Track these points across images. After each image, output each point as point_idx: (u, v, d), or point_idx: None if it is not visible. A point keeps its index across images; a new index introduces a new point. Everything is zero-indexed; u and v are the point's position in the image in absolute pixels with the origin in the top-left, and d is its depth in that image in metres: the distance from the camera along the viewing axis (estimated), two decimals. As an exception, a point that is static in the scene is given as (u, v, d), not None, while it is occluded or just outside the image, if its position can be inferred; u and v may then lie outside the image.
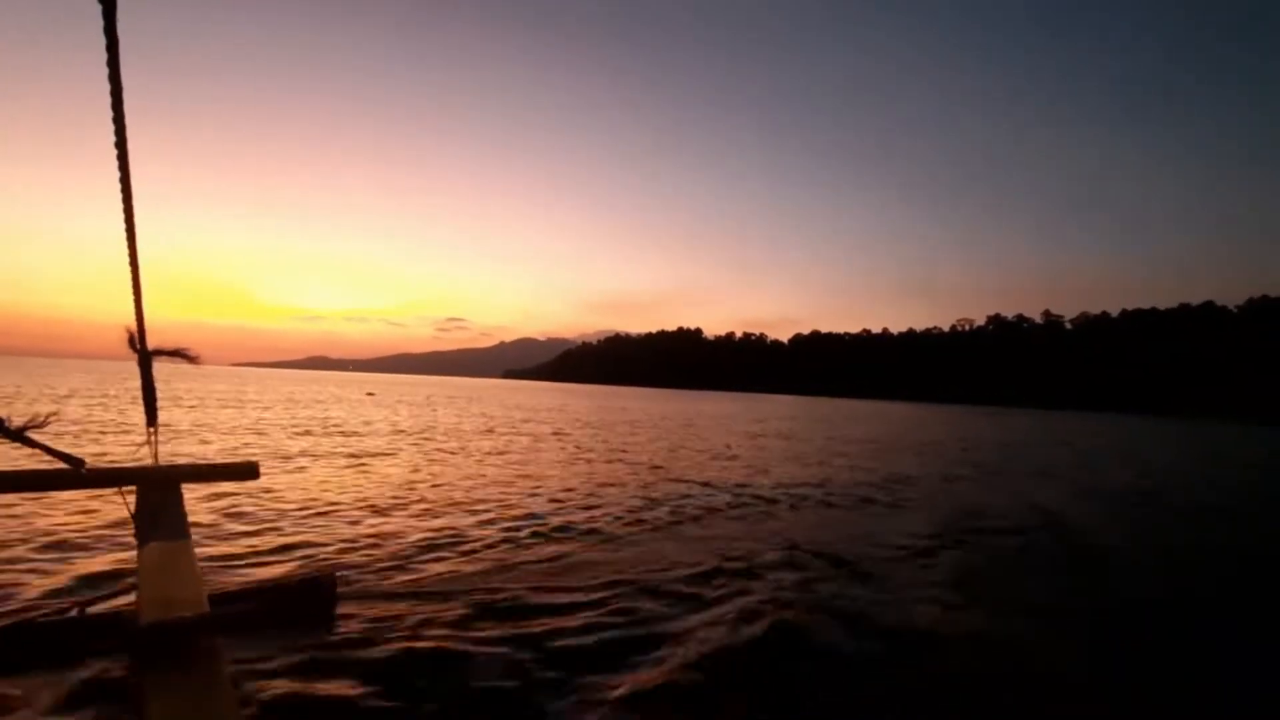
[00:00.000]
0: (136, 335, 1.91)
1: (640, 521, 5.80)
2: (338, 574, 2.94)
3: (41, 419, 1.66)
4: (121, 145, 1.48)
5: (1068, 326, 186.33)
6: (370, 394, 38.53)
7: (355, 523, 4.93)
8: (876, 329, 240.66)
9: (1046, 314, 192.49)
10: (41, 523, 4.27)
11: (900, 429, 25.40)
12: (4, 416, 1.59)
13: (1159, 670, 3.07)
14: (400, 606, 3.11)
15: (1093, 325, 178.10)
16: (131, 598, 1.46)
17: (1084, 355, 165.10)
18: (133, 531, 1.79)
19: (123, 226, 1.61)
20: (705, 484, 8.29)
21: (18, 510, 4.47)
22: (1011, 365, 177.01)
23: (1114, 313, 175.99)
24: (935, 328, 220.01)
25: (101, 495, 4.75)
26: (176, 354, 2.00)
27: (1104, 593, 4.40)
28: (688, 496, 7.34)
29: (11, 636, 1.47)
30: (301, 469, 7.57)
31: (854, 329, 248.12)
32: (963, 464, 12.28)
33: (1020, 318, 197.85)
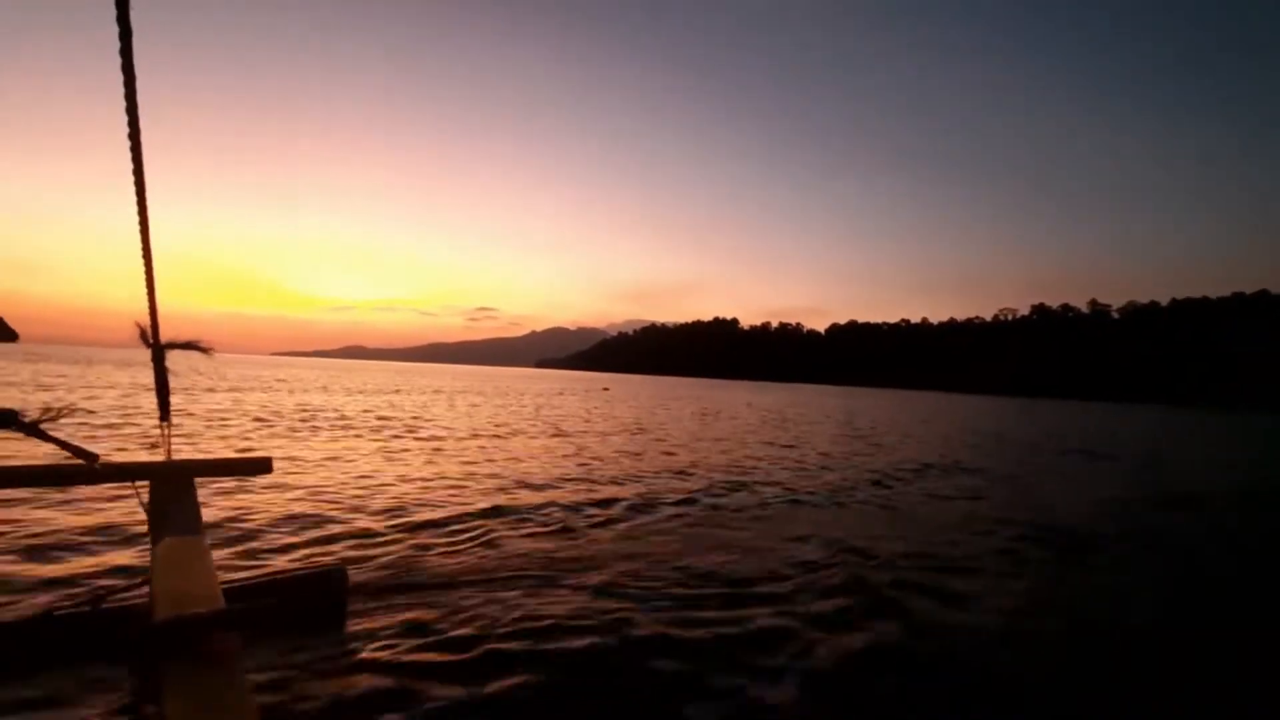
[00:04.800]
0: (149, 328, 1.90)
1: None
2: (349, 567, 3.18)
3: (55, 412, 1.67)
4: (135, 135, 1.49)
5: (1115, 316, 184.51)
6: (605, 389, 40.20)
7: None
8: (914, 318, 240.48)
9: (1093, 303, 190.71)
10: (55, 517, 4.24)
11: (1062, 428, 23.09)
12: (19, 409, 1.60)
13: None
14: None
15: (1141, 315, 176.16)
16: (145, 592, 1.47)
17: (1133, 346, 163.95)
18: (146, 526, 1.80)
19: (136, 218, 1.63)
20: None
21: (31, 504, 4.46)
22: (1058, 356, 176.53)
23: (1164, 302, 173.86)
24: (977, 317, 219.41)
25: (115, 489, 4.70)
26: (190, 346, 1.98)
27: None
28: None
29: (27, 631, 1.53)
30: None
31: (889, 319, 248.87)
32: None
33: (1065, 307, 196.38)
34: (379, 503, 5.20)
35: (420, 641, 2.65)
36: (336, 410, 13.91)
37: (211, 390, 18.81)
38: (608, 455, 9.28)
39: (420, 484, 6.13)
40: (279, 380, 28.33)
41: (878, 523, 5.53)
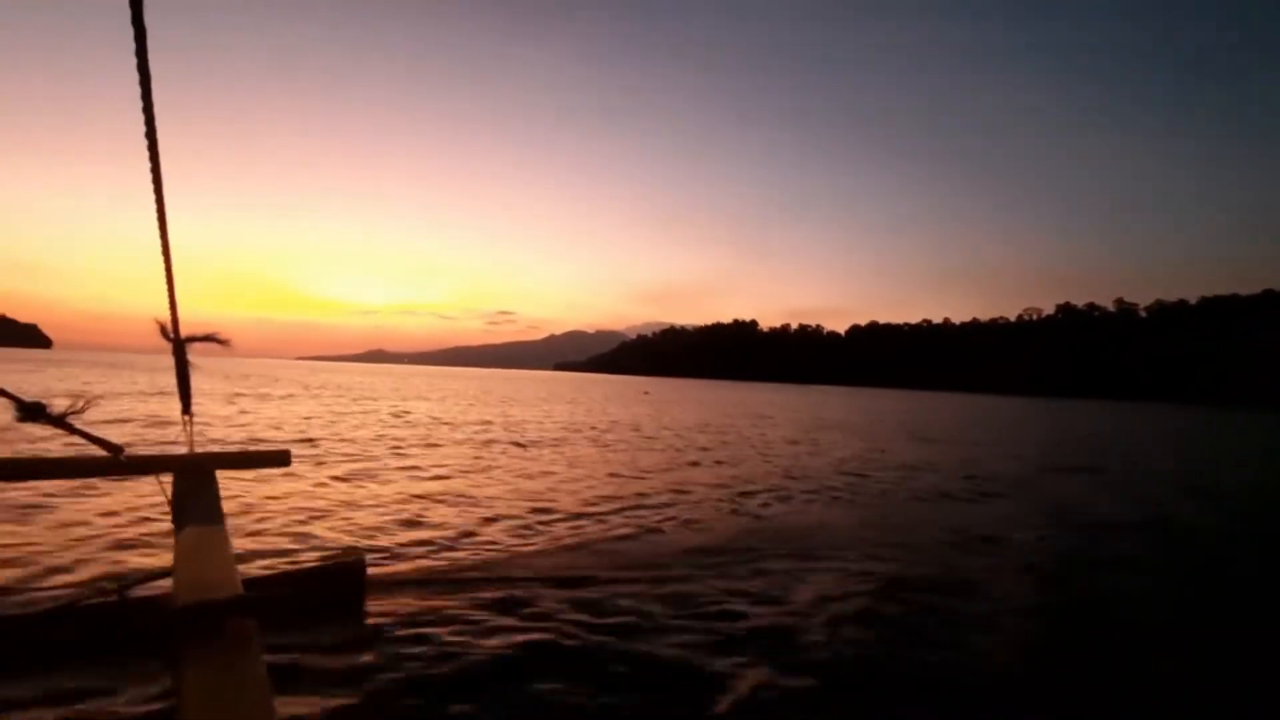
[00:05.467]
0: (170, 324, 1.98)
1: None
2: (367, 559, 3.22)
3: (81, 405, 1.74)
4: (152, 137, 1.53)
5: (1142, 315, 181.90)
6: (646, 393, 41.30)
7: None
8: (935, 319, 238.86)
9: (1119, 302, 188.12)
10: (83, 508, 4.31)
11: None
12: (46, 403, 1.66)
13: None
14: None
15: (1169, 313, 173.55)
16: (169, 581, 1.52)
17: (1161, 344, 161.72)
18: (170, 517, 1.85)
19: (155, 218, 1.68)
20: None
21: (61, 495, 4.53)
22: (1084, 356, 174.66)
23: (1192, 300, 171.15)
24: (1001, 317, 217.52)
25: (140, 481, 4.74)
26: (209, 339, 2.08)
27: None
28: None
29: (56, 619, 1.62)
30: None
31: (909, 319, 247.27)
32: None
33: (1091, 306, 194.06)
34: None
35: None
36: (459, 420, 14.90)
37: (290, 396, 19.89)
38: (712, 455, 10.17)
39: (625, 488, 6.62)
40: (343, 386, 29.38)
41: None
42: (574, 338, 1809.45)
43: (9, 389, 1.71)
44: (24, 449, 6.43)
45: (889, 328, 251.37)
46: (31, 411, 1.65)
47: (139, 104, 1.48)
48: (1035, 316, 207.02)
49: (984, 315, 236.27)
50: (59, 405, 1.69)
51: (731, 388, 79.76)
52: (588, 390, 43.28)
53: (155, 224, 1.72)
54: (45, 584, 3.00)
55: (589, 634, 2.84)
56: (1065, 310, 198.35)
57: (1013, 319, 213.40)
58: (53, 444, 6.53)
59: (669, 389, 57.10)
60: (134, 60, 1.43)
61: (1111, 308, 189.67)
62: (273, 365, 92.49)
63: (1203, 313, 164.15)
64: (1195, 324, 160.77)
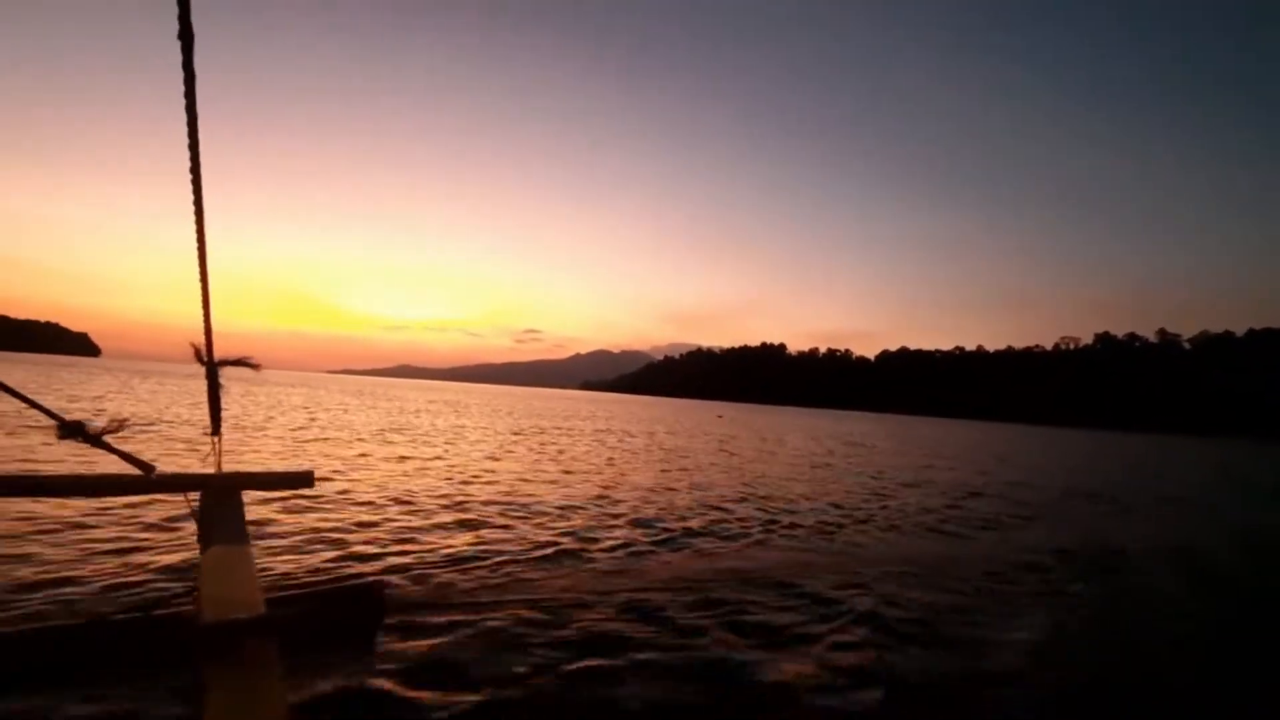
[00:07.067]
0: (204, 347, 2.03)
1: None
2: (387, 581, 3.22)
3: (118, 424, 1.81)
4: (196, 170, 1.60)
5: (1186, 346, 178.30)
6: (720, 416, 41.11)
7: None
8: (969, 346, 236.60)
9: (1162, 333, 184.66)
10: (116, 523, 4.37)
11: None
12: (85, 421, 1.74)
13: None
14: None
15: (1215, 344, 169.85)
16: (194, 599, 1.56)
17: (1205, 376, 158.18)
18: (196, 535, 1.94)
19: (195, 246, 1.73)
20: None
21: (95, 510, 4.63)
22: (1124, 387, 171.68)
23: (1239, 332, 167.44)
24: (1037, 345, 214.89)
25: (170, 499, 4.85)
26: (240, 363, 2.16)
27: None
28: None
29: (84, 634, 1.64)
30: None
31: (942, 345, 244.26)
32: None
33: (1132, 336, 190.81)
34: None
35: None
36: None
37: (426, 414, 19.76)
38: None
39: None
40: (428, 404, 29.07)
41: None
42: (599, 357, 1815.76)
43: (51, 408, 1.77)
44: (41, 464, 6.56)
45: (920, 354, 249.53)
46: (71, 430, 1.72)
47: (191, 133, 1.52)
48: (1072, 345, 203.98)
49: (1019, 343, 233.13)
50: (97, 424, 1.74)
51: (775, 412, 79.49)
52: (669, 414, 42.48)
53: (194, 249, 1.76)
54: (74, 599, 3.08)
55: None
56: (1104, 340, 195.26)
57: (1049, 348, 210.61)
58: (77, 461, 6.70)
59: (737, 413, 55.52)
60: (183, 85, 1.47)
61: (1153, 338, 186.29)
62: (310, 379, 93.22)
63: (1249, 344, 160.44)
64: (1242, 356, 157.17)
